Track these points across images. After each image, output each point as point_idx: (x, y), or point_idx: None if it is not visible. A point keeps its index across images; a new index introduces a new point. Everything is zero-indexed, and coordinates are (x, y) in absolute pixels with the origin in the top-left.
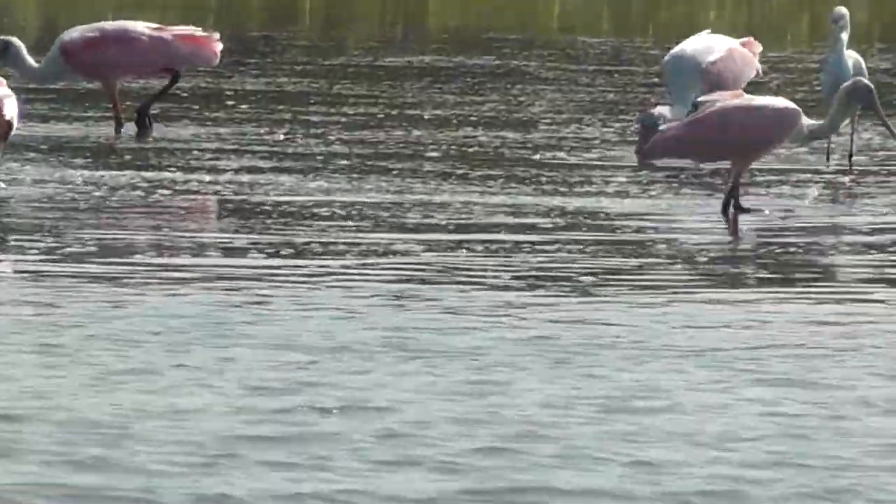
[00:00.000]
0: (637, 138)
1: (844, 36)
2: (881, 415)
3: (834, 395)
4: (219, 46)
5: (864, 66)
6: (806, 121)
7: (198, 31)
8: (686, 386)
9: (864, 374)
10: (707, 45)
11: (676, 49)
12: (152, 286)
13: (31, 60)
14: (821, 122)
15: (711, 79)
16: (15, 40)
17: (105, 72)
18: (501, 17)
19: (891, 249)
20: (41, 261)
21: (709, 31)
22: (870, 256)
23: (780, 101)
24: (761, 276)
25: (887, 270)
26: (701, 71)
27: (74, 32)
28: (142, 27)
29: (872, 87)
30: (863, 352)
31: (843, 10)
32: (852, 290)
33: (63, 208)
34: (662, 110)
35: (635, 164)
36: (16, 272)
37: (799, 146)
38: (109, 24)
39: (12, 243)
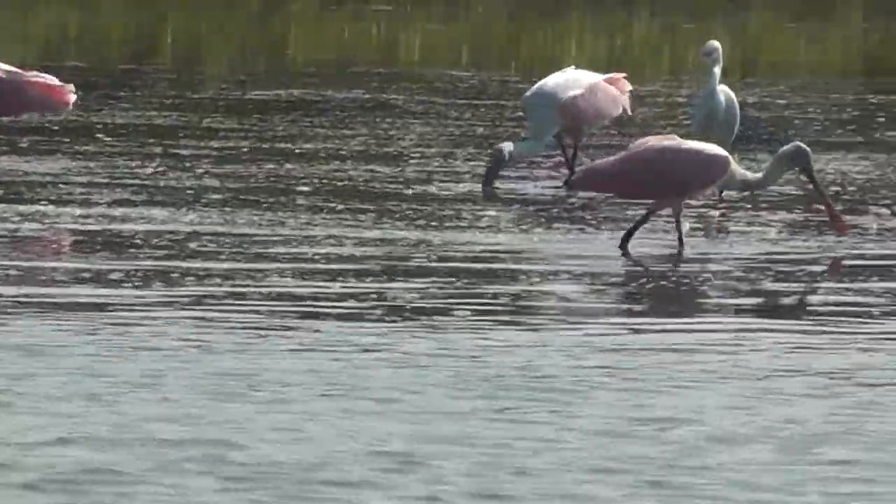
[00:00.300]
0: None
1: (717, 70)
2: (732, 446)
3: (684, 427)
4: (72, 98)
5: (735, 100)
6: (738, 170)
7: (53, 81)
8: (545, 417)
9: (714, 406)
10: (568, 81)
11: (538, 84)
12: (18, 317)
13: None
14: (756, 175)
15: (570, 114)
16: None
17: None
18: (363, 51)
19: (760, 281)
20: None
21: (573, 66)
22: (732, 288)
23: (711, 147)
24: (626, 307)
25: (745, 301)
26: (559, 106)
27: None
28: None
29: (809, 150)
30: (716, 382)
31: (715, 43)
32: (709, 320)
33: None
34: (506, 145)
35: (506, 198)
36: None
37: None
38: None
39: None
